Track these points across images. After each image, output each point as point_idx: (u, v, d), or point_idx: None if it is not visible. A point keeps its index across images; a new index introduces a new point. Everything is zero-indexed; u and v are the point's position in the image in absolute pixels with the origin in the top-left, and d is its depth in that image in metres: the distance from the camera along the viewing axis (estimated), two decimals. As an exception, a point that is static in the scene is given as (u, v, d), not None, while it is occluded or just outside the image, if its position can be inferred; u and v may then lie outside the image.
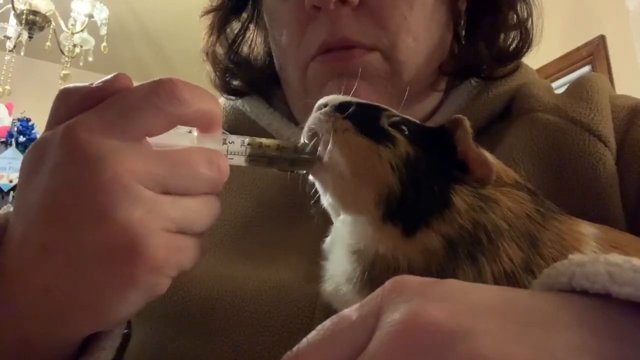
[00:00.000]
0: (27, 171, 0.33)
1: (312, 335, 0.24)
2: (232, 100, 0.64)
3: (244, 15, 0.64)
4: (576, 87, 0.53)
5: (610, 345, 0.21)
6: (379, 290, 0.25)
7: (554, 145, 0.48)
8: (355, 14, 0.50)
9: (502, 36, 0.56)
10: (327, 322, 0.25)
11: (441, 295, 0.23)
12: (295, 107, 0.59)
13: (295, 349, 0.24)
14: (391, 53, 0.51)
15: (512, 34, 0.57)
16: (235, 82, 0.63)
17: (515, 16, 0.56)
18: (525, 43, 0.57)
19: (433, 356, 0.21)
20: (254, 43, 0.65)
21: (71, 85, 0.34)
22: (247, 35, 0.64)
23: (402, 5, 0.51)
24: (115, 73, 0.33)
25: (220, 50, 0.63)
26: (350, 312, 0.25)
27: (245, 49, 0.64)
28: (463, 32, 0.59)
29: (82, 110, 0.31)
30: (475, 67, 0.56)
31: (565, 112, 0.50)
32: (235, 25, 0.64)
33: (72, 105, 0.32)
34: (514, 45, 0.57)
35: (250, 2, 0.64)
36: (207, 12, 0.63)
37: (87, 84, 0.33)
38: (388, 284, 0.24)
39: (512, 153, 0.48)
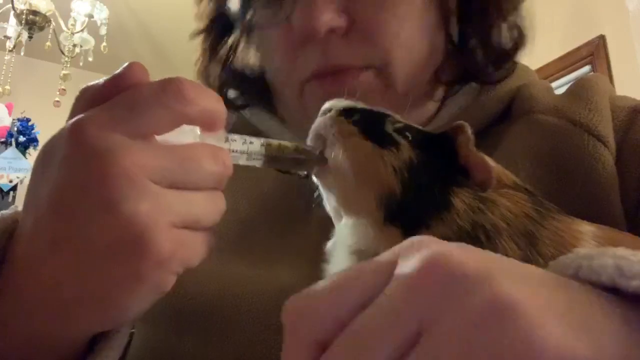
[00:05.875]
0: (38, 167, 0.33)
1: (322, 281, 0.24)
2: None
3: (235, 32, 0.62)
4: (576, 88, 0.53)
5: (613, 335, 0.21)
6: (395, 247, 0.24)
7: (553, 147, 0.48)
8: (346, 38, 0.49)
9: (494, 32, 0.55)
10: (339, 273, 0.24)
11: (462, 245, 0.23)
12: (292, 124, 0.59)
13: (302, 292, 0.24)
14: (385, 69, 0.50)
15: (504, 32, 0.56)
16: (234, 95, 0.63)
17: (505, 10, 0.55)
18: (519, 40, 0.56)
19: (455, 295, 0.20)
20: (247, 55, 0.63)
21: (90, 83, 0.34)
22: (240, 47, 0.63)
23: (392, 21, 0.50)
24: (129, 63, 0.33)
25: (214, 69, 0.62)
26: (364, 262, 0.24)
27: (240, 60, 0.63)
28: (456, 32, 0.57)
29: (95, 106, 0.32)
30: (471, 68, 0.55)
31: (564, 113, 0.50)
32: (228, 41, 0.63)
33: (87, 101, 0.33)
34: (508, 42, 0.56)
35: (240, 22, 0.62)
36: (197, 34, 0.62)
37: (101, 80, 0.33)
38: (405, 241, 0.24)
39: (512, 155, 0.48)
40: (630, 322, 0.21)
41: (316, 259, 0.39)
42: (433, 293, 0.21)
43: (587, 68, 2.71)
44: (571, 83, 0.56)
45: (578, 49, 2.80)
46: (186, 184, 0.32)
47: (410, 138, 0.36)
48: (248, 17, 0.55)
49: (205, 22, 0.62)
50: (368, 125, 0.37)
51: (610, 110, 0.50)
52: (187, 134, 0.34)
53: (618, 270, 0.23)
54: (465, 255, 0.21)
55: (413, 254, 0.22)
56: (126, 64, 0.33)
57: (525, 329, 0.19)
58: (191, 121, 0.33)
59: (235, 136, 0.36)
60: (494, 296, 0.19)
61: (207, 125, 0.34)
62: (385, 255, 0.24)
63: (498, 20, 0.55)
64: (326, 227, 0.40)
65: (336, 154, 0.36)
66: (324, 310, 0.23)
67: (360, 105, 0.40)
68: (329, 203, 0.38)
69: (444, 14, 0.54)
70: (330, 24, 0.47)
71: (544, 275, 0.23)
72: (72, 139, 0.31)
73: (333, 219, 0.39)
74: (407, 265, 0.22)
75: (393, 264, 0.23)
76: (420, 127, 0.39)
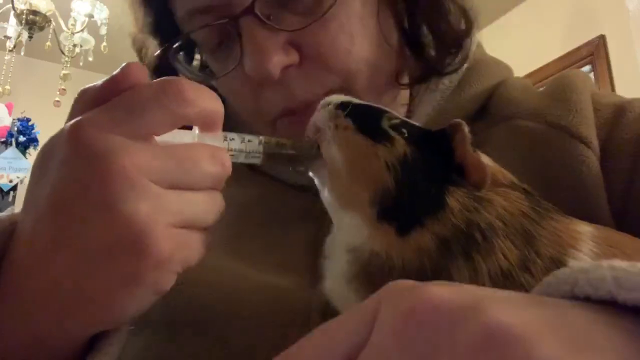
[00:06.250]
0: (37, 168, 0.33)
1: (306, 336, 0.24)
2: None
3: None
4: (554, 88, 0.52)
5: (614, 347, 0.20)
6: (374, 295, 0.24)
7: (536, 153, 0.48)
8: (302, 68, 0.48)
9: (442, 18, 0.53)
10: (322, 325, 0.24)
11: (442, 283, 0.23)
12: None
13: (281, 355, 0.23)
14: (348, 87, 0.49)
15: (453, 16, 0.54)
16: None
17: None
18: (467, 25, 0.54)
19: (447, 331, 0.20)
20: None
21: (89, 85, 0.34)
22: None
23: (340, 40, 0.48)
24: (127, 63, 0.33)
25: None
26: (345, 314, 0.24)
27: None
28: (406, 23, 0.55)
29: (95, 107, 0.32)
30: (425, 61, 0.53)
31: (544, 117, 0.49)
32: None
33: (86, 103, 0.33)
34: (457, 28, 0.54)
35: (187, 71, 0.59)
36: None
37: (99, 81, 0.33)
38: (383, 288, 0.24)
39: (496, 163, 0.48)
40: (630, 336, 0.21)
41: (311, 262, 0.39)
42: (424, 333, 0.20)
43: (587, 68, 2.71)
44: (550, 81, 0.55)
45: (578, 49, 2.81)
46: (185, 184, 0.32)
47: (406, 134, 0.36)
48: (194, 64, 0.54)
49: (150, 73, 0.59)
50: (364, 120, 0.37)
51: (592, 107, 0.49)
52: (185, 134, 0.34)
53: (616, 283, 0.22)
54: (447, 291, 0.21)
55: (394, 298, 0.22)
56: (124, 64, 0.33)
57: (523, 352, 0.18)
58: (190, 122, 0.33)
59: (234, 135, 0.36)
60: (485, 325, 0.19)
61: (206, 125, 0.34)
62: (366, 304, 0.23)
63: (445, 3, 0.53)
64: (321, 228, 0.40)
65: (330, 149, 0.36)
66: None
67: (358, 100, 0.40)
68: (325, 198, 0.38)
69: (393, 12, 0.52)
70: (282, 64, 0.46)
71: (529, 297, 0.23)
72: (71, 140, 0.31)
73: (330, 215, 0.39)
74: (391, 310, 0.21)
75: (373, 312, 0.22)
76: (417, 124, 0.39)
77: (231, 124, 0.57)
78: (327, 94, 0.48)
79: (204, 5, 0.48)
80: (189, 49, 0.56)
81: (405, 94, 0.57)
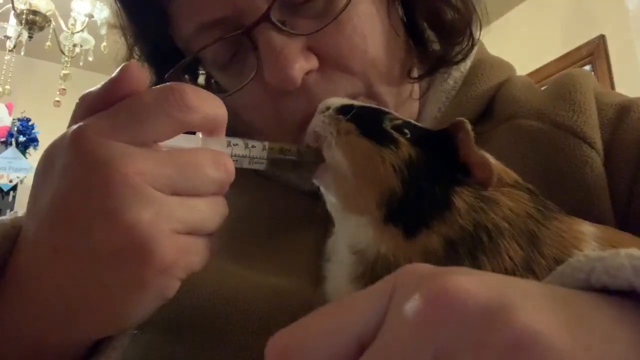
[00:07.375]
0: (39, 173, 0.33)
1: (309, 315, 0.23)
2: None
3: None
4: (558, 87, 0.52)
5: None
6: (388, 277, 0.22)
7: (540, 153, 0.47)
8: (322, 73, 0.47)
9: (440, 9, 0.53)
10: (334, 302, 0.23)
11: (464, 271, 0.21)
12: None
13: (289, 328, 0.22)
14: (370, 90, 0.49)
15: (450, 9, 0.53)
16: None
17: None
18: (465, 11, 0.53)
19: (472, 331, 0.19)
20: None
21: (89, 90, 0.34)
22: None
23: (357, 40, 0.48)
24: (124, 64, 0.32)
25: None
26: (356, 293, 0.23)
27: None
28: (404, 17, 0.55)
29: (96, 113, 0.32)
30: (431, 53, 0.53)
31: (548, 116, 0.49)
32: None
33: (87, 108, 0.33)
34: (455, 16, 0.53)
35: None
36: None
37: (100, 85, 0.33)
38: (399, 270, 0.22)
39: (500, 162, 0.48)
40: None
41: (310, 264, 0.39)
42: (447, 328, 0.19)
43: (587, 68, 2.72)
44: (553, 79, 0.54)
45: (578, 48, 2.81)
46: (188, 190, 0.32)
47: (409, 135, 0.36)
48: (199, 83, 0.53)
49: None
50: (366, 122, 0.37)
51: (596, 107, 0.49)
52: (189, 139, 0.34)
53: (635, 271, 0.21)
54: (472, 282, 0.20)
55: (414, 284, 0.21)
56: (122, 64, 0.32)
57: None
58: (193, 128, 0.33)
59: (237, 140, 0.36)
60: (514, 331, 0.18)
61: (210, 130, 0.34)
62: (379, 285, 0.22)
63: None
64: (320, 231, 0.40)
65: (334, 154, 0.36)
66: (316, 348, 0.21)
67: (357, 102, 0.40)
68: (329, 202, 0.38)
69: (395, 8, 0.52)
70: (303, 70, 0.46)
71: (553, 292, 0.22)
72: (73, 147, 0.30)
73: (334, 219, 0.39)
74: (410, 296, 0.20)
75: (388, 294, 0.21)
76: (418, 124, 0.39)
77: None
78: (350, 96, 0.47)
79: (214, 18, 0.47)
80: (193, 69, 0.55)
81: (417, 88, 0.57)
